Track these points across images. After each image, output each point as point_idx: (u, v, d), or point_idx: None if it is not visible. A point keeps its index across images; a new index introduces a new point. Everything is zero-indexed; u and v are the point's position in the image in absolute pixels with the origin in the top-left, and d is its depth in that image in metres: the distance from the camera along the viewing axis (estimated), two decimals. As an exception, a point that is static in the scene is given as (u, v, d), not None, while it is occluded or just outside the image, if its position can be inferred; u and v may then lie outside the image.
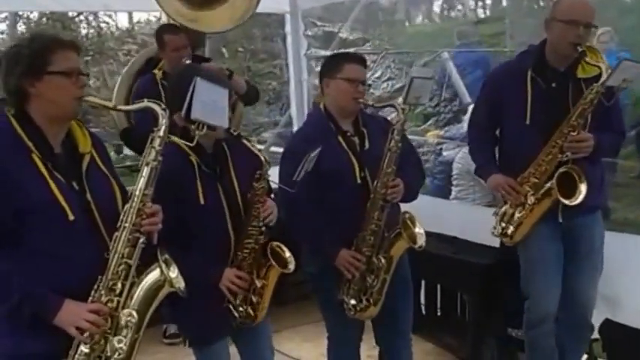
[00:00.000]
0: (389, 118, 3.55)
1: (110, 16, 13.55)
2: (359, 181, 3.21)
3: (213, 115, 2.51)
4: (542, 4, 8.99)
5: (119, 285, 2.33)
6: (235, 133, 2.85)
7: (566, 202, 3.31)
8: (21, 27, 12.41)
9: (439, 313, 4.78)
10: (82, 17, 13.01)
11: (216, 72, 4.10)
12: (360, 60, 3.31)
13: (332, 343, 3.51)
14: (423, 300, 4.73)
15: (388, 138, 3.20)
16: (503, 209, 3.52)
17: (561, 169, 3.32)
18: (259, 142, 7.58)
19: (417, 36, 12.08)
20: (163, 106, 2.41)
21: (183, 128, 2.82)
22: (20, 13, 11.88)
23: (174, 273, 2.40)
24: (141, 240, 2.35)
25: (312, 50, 6.58)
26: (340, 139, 3.27)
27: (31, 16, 12.49)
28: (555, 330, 3.60)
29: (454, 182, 6.92)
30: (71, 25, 12.28)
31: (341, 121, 3.31)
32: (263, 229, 2.91)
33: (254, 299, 2.95)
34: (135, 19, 14.38)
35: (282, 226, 3.12)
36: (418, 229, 3.26)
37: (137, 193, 2.36)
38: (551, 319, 3.56)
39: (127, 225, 2.34)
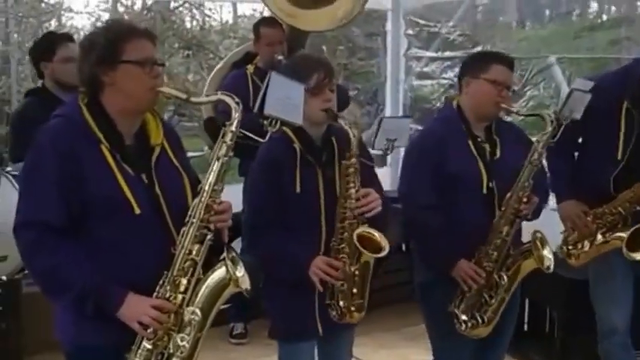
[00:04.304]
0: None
1: (214, 10, 13.64)
2: (485, 191, 2.97)
3: (287, 111, 2.42)
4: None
5: (184, 281, 2.27)
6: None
7: (633, 255, 3.18)
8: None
9: (526, 328, 4.56)
10: (184, 10, 13.11)
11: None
12: (508, 62, 3.05)
13: None
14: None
15: (532, 149, 2.95)
16: (570, 235, 3.43)
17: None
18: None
19: (528, 40, 11.58)
20: (237, 99, 2.32)
21: None
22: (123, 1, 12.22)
23: (240, 272, 2.30)
24: (208, 237, 2.28)
25: (413, 50, 6.43)
26: (470, 143, 3.03)
27: (135, 7, 12.77)
28: None
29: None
30: (172, 17, 12.40)
31: (474, 124, 3.07)
32: (357, 213, 2.69)
33: (354, 290, 2.75)
34: (239, 13, 14.42)
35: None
36: (547, 252, 2.98)
37: (206, 188, 2.29)
38: (622, 331, 3.39)
39: (194, 221, 2.27)
